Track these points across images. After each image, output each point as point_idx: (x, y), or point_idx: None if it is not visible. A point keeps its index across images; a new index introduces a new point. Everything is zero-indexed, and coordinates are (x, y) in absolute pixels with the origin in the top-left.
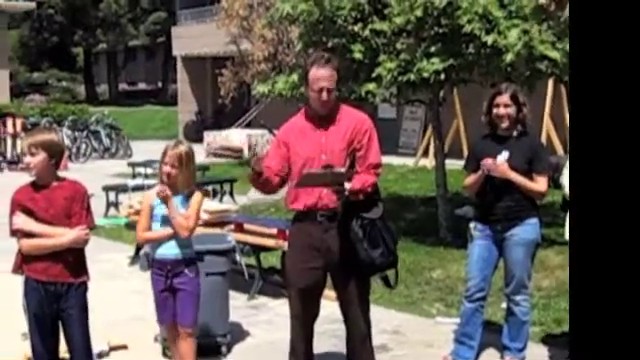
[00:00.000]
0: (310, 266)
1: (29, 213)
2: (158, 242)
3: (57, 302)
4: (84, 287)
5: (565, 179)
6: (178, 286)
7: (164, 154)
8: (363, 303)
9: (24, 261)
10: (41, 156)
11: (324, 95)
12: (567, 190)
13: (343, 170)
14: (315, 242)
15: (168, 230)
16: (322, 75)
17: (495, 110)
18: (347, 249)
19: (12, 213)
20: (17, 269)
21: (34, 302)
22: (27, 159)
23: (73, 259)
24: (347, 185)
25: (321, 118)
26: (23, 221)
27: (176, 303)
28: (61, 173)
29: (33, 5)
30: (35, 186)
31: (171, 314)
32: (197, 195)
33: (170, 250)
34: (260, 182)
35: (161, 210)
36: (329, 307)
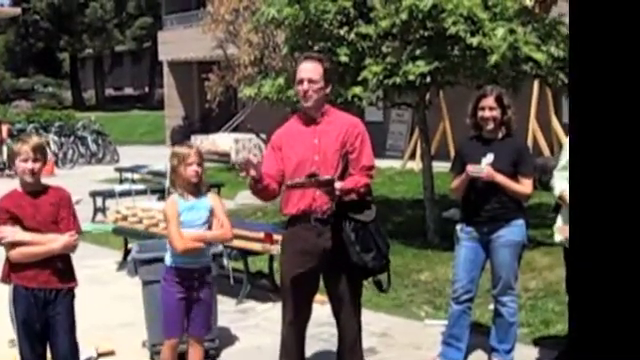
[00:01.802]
0: (305, 270)
1: (16, 220)
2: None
3: (45, 309)
4: (72, 293)
5: (556, 181)
6: (199, 296)
7: (184, 157)
8: (354, 306)
9: (12, 269)
10: (42, 162)
11: (305, 85)
12: (557, 192)
13: (329, 177)
14: (308, 246)
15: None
16: (304, 67)
17: (480, 113)
18: (339, 252)
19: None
20: (5, 278)
21: (22, 309)
22: (29, 165)
23: (62, 265)
24: (338, 185)
25: (314, 121)
26: (12, 232)
27: (193, 312)
28: (49, 179)
29: (18, 11)
30: (22, 193)
31: (182, 326)
32: (213, 195)
33: (201, 258)
34: (259, 189)
35: (187, 216)
36: (317, 310)
